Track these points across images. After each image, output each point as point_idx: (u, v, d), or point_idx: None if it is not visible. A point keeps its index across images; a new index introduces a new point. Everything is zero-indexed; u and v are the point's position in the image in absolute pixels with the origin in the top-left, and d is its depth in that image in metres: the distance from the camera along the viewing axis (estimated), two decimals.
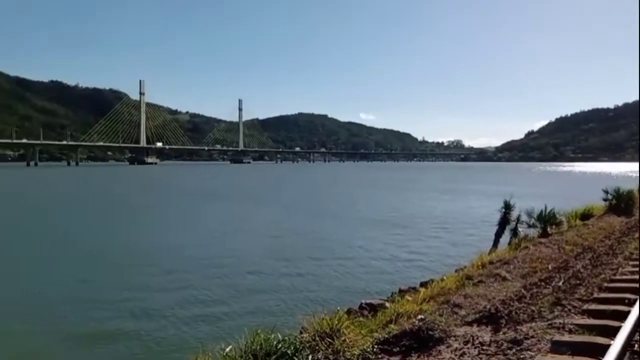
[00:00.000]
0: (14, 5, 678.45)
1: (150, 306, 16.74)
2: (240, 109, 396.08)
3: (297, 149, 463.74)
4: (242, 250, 27.91)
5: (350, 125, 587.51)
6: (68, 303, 17.10)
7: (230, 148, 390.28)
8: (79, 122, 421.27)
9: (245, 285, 20.03)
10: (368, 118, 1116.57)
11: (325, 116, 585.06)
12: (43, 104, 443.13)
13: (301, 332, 6.64)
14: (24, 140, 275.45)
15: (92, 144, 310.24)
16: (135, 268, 22.72)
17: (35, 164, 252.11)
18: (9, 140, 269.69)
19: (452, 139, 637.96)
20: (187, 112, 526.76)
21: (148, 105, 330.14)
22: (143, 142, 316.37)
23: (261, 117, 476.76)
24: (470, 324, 8.00)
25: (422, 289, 12.42)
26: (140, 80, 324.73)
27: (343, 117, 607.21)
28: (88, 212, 45.73)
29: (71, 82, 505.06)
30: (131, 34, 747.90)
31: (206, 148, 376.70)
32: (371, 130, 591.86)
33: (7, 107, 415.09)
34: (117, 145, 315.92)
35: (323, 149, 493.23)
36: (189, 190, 79.52)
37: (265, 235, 34.07)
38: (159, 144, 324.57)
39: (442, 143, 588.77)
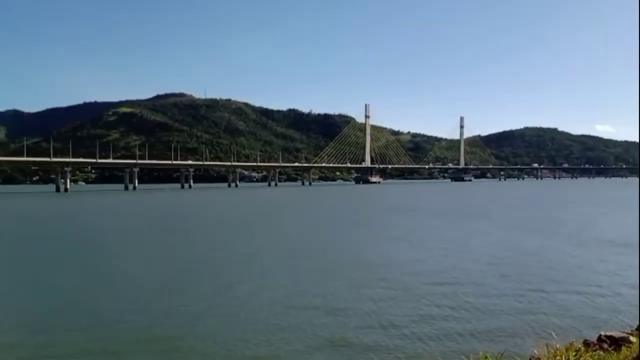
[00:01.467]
0: (262, 50, 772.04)
1: (386, 318, 17.02)
2: (461, 127, 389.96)
3: (521, 165, 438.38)
4: (467, 268, 27.13)
5: (584, 138, 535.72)
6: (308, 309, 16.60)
7: (451, 166, 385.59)
8: (312, 146, 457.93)
9: (471, 305, 19.36)
10: (605, 130, 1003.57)
11: (554, 129, 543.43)
12: (282, 130, 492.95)
13: None
14: (266, 163, 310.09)
15: (322, 165, 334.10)
16: (372, 282, 23.13)
17: (275, 184, 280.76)
18: (254, 164, 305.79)
19: None
20: (408, 132, 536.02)
21: (372, 127, 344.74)
22: (367, 162, 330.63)
23: (483, 133, 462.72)
24: None
25: None
26: (365, 105, 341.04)
27: (575, 130, 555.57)
28: (317, 222, 49.04)
29: (305, 109, 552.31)
30: (355, 69, 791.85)
31: (427, 166, 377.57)
32: (609, 142, 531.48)
33: (253, 134, 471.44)
34: (344, 165, 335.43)
35: (552, 165, 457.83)
36: (408, 207, 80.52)
37: (492, 253, 32.54)
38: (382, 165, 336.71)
39: None
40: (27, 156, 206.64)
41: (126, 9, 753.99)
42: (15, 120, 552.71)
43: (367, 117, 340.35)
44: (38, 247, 33.99)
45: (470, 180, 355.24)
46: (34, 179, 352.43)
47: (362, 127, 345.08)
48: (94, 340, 14.36)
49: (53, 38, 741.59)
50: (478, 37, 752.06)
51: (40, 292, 20.16)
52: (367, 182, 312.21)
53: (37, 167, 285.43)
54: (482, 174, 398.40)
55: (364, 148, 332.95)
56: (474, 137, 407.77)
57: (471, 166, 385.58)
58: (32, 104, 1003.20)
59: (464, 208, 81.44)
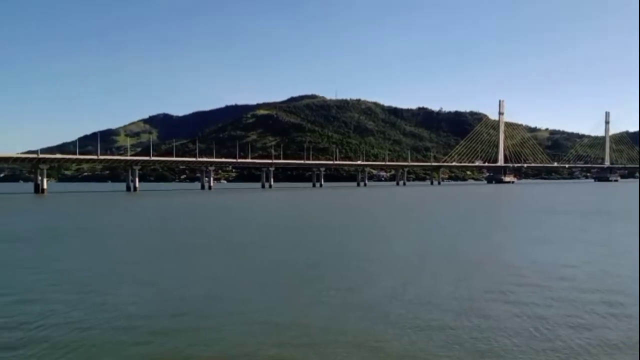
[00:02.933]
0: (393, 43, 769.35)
1: (534, 325, 15.26)
2: (606, 122, 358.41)
3: None
4: (620, 273, 24.17)
5: None
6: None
7: (595, 165, 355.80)
8: (441, 144, 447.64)
9: (628, 314, 17.21)
10: None
11: None
12: (411, 129, 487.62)
13: None
14: (395, 162, 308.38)
15: (452, 164, 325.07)
16: (517, 286, 21.19)
17: (404, 183, 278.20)
18: (383, 163, 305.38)
19: None
20: (546, 129, 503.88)
21: (506, 124, 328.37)
22: (500, 161, 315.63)
23: (631, 129, 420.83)
24: None
25: None
26: (499, 101, 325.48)
27: None
28: (453, 222, 46.23)
29: (435, 107, 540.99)
30: (488, 62, 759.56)
31: (567, 165, 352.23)
32: None
33: (382, 133, 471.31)
34: (476, 165, 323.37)
35: None
36: (549, 208, 74.66)
37: None
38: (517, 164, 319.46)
39: None
40: (175, 156, 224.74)
41: (262, 19, 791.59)
42: (166, 123, 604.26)
43: (500, 113, 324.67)
44: (200, 235, 36.44)
45: (616, 181, 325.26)
46: (182, 177, 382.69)
47: (495, 125, 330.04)
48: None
49: (198, 48, 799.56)
50: (628, 26, 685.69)
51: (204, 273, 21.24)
52: (500, 181, 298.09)
53: (184, 167, 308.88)
54: (629, 174, 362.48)
55: (497, 146, 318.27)
56: (621, 133, 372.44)
57: (617, 165, 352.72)
58: (180, 109, 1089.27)
59: (612, 209, 74.19)
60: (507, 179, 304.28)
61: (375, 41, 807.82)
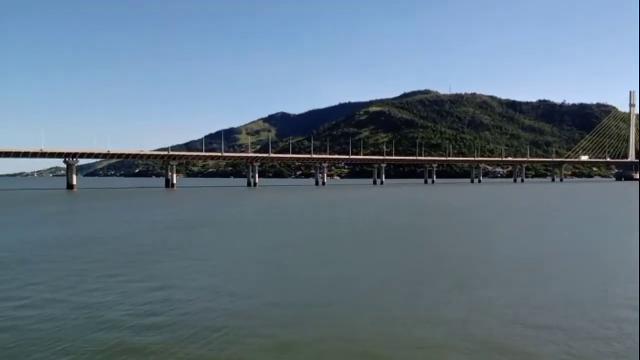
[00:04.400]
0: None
1: None
2: None
3: None
4: None
5: None
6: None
7: None
8: (564, 139, 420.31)
9: None
10: None
11: None
12: (530, 123, 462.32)
13: None
14: (512, 158, 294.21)
15: (576, 160, 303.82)
16: None
17: (522, 180, 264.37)
18: (499, 159, 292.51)
19: None
20: None
21: (638, 117, 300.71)
22: (631, 157, 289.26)
23: None
24: None
25: None
26: (630, 92, 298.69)
27: None
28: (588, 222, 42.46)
29: (558, 100, 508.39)
30: (614, 43, 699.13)
31: None
32: None
33: (498, 128, 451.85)
34: (603, 160, 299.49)
35: None
36: None
37: None
38: None
39: None
40: (291, 153, 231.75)
41: (373, 19, 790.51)
42: (283, 121, 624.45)
43: (631, 105, 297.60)
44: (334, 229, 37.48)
45: None
46: (297, 173, 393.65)
47: (625, 117, 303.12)
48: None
49: (313, 50, 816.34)
50: None
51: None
52: (630, 178, 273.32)
53: (300, 163, 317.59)
54: None
55: (627, 141, 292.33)
56: None
57: None
58: (297, 107, 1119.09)
59: None
60: (638, 175, 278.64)
61: (491, 33, 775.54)
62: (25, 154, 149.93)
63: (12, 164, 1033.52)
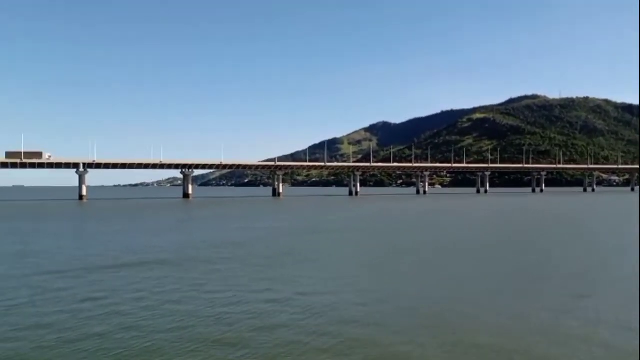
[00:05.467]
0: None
1: None
2: None
3: None
4: None
5: None
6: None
7: None
8: None
9: None
10: None
11: None
12: None
13: None
14: (630, 166, 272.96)
15: None
16: None
17: None
18: (615, 166, 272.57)
19: None
20: None
21: None
22: None
23: None
24: None
25: None
26: None
27: None
28: None
29: None
30: None
31: None
32: None
33: (614, 133, 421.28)
34: None
35: None
36: None
37: None
38: None
39: None
40: (392, 162, 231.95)
41: (475, 25, 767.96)
42: (385, 130, 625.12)
43: None
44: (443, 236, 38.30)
45: None
46: (399, 182, 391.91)
47: None
48: None
49: (414, 57, 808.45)
50: None
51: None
52: None
53: (400, 172, 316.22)
54: None
55: None
56: None
57: None
58: (398, 116, 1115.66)
59: None
60: None
61: (603, 34, 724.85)
62: (147, 166, 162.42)
63: (135, 175, 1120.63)
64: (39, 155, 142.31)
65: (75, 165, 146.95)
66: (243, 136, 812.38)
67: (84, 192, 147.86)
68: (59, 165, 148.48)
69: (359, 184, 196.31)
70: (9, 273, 24.96)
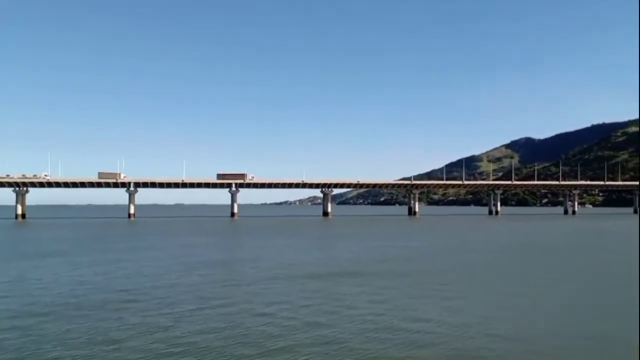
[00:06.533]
0: None
1: None
2: None
3: None
4: None
5: None
6: None
7: None
8: None
9: None
10: None
11: None
12: None
13: None
14: None
15: None
16: None
17: None
18: None
19: None
20: None
21: None
22: None
23: None
24: None
25: None
26: None
27: None
28: None
29: None
30: None
31: None
32: None
33: None
34: None
35: None
36: None
37: None
38: None
39: None
40: (537, 180, 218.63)
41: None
42: (527, 147, 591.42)
43: None
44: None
45: None
46: (543, 201, 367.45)
47: None
48: None
49: (560, 68, 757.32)
50: None
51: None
52: None
53: (546, 190, 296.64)
54: None
55: None
56: None
57: None
58: (542, 132, 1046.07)
59: None
60: None
61: None
62: (290, 185, 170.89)
63: (279, 194, 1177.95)
64: (242, 176, 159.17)
65: (229, 185, 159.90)
66: (379, 156, 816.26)
67: (235, 209, 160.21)
68: (214, 185, 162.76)
69: (499, 203, 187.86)
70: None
